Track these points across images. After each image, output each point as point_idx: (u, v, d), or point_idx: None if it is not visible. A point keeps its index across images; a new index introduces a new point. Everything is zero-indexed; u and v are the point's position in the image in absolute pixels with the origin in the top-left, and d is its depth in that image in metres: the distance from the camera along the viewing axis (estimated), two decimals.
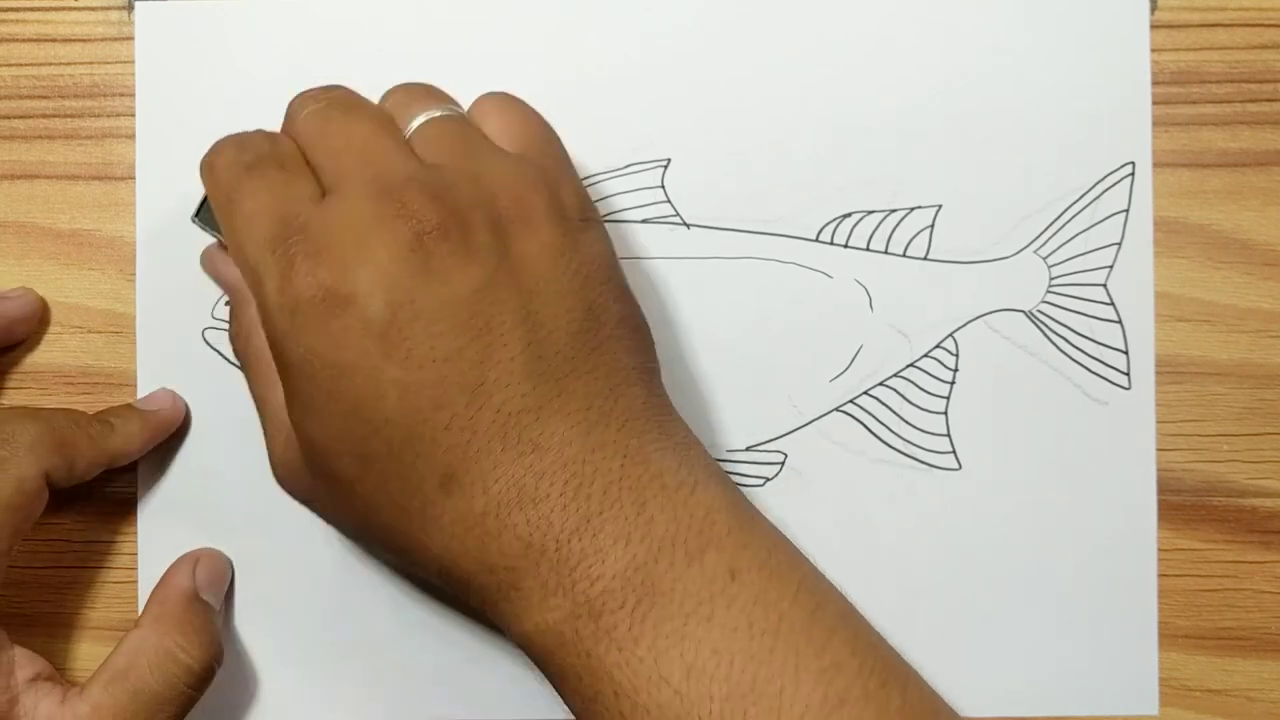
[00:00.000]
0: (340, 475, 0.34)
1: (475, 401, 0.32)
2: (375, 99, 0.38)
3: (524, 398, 0.32)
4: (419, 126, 0.36)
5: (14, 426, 0.38)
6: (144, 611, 0.40)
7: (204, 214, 0.38)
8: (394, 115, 0.36)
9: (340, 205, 0.33)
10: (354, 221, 0.32)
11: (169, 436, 0.42)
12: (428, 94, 0.37)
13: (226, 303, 0.42)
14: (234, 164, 0.35)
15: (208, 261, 0.41)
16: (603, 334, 0.34)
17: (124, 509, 0.43)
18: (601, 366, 0.33)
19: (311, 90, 0.37)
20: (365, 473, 0.33)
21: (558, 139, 0.37)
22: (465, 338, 0.32)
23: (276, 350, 0.34)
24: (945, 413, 0.42)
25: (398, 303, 0.32)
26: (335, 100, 0.36)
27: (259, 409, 0.37)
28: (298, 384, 0.33)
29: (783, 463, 0.42)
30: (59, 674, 0.39)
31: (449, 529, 0.32)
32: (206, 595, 0.41)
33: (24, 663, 0.38)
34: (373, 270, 0.32)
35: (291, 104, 0.37)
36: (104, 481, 0.43)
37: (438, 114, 0.36)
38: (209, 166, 0.36)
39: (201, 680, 0.39)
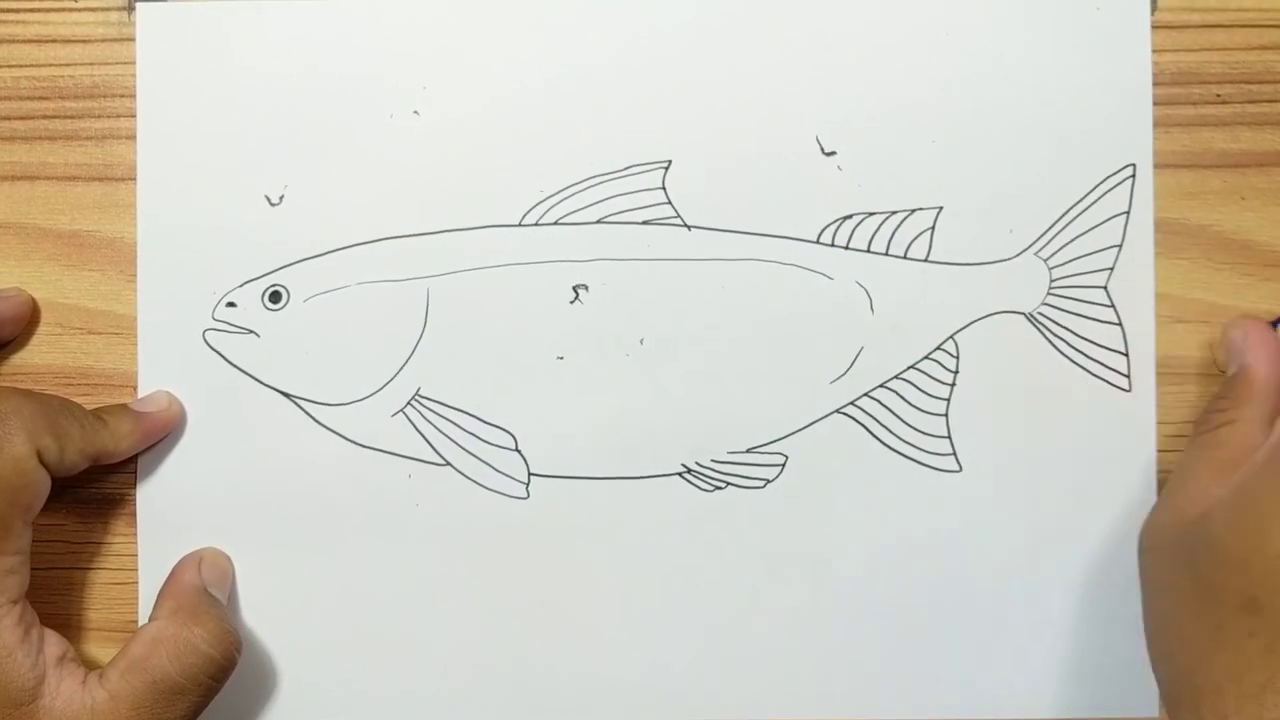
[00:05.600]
0: (1221, 593, 0.34)
1: None
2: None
3: None
4: None
5: (8, 404, 0.38)
6: (157, 606, 0.40)
7: None
8: None
9: None
10: None
11: (168, 437, 0.42)
12: None
13: (230, 304, 0.43)
14: None
15: (1246, 330, 0.40)
16: None
17: (124, 509, 0.43)
18: None
19: None
20: (1245, 611, 0.33)
21: None
22: None
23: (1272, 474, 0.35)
24: (946, 414, 0.42)
25: None
26: None
27: (1184, 472, 0.38)
28: (1264, 507, 0.34)
29: (784, 464, 0.42)
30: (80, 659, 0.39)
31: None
32: (213, 591, 0.41)
33: (52, 642, 0.38)
34: None
35: None
36: (104, 482, 0.43)
37: None
38: None
39: (222, 670, 0.39)
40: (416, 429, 0.43)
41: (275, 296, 0.43)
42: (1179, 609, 0.35)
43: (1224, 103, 0.43)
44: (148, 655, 0.38)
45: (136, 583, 0.43)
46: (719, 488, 0.42)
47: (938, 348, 0.42)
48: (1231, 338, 0.40)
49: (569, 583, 0.42)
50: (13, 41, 0.43)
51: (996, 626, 0.42)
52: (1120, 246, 0.42)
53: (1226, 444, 0.38)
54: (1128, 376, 0.42)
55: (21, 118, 0.43)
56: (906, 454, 0.42)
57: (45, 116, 0.43)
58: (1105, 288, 0.43)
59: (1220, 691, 0.33)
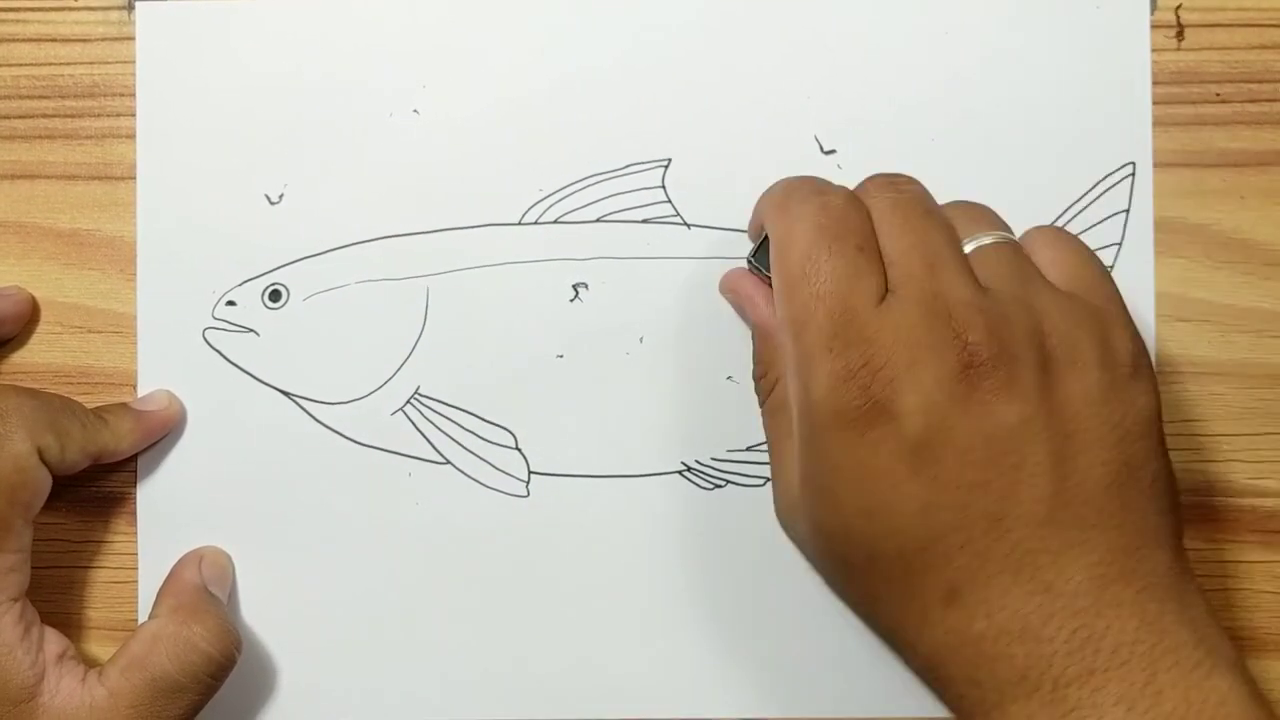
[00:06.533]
0: (843, 560, 0.35)
1: (993, 531, 0.32)
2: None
3: (1043, 539, 0.32)
4: (977, 249, 0.36)
5: (8, 402, 0.38)
6: (157, 604, 0.40)
7: (760, 255, 0.38)
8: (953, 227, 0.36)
9: (899, 315, 0.34)
10: (910, 337, 0.33)
11: (168, 436, 0.42)
12: (985, 217, 0.37)
13: (229, 303, 0.43)
14: (818, 230, 0.35)
15: (733, 286, 0.41)
16: (1134, 490, 0.33)
17: (124, 509, 0.43)
18: (1129, 524, 0.32)
19: (889, 175, 0.37)
20: (869, 567, 0.34)
21: (1110, 279, 0.36)
22: (994, 471, 0.32)
23: (805, 434, 0.35)
24: None
25: (935, 427, 0.32)
26: (915, 197, 0.36)
27: (772, 449, 0.39)
28: (818, 473, 0.35)
29: None
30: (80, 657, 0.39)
31: (943, 638, 0.33)
32: (213, 590, 0.41)
33: (52, 640, 0.38)
34: (918, 394, 0.33)
35: (869, 181, 0.37)
36: (103, 481, 0.43)
37: (994, 239, 0.36)
38: (784, 214, 0.36)
39: (222, 669, 0.39)
40: (416, 427, 0.43)
41: (275, 295, 0.43)
42: (834, 581, 0.38)
43: (1223, 102, 0.43)
44: (147, 653, 0.38)
45: (136, 581, 0.43)
46: (719, 486, 0.42)
47: None
48: (730, 301, 0.41)
49: (569, 581, 0.42)
50: (13, 40, 0.44)
51: None
52: (1120, 245, 0.42)
53: (784, 404, 0.38)
54: None
55: (21, 116, 0.43)
56: None
57: (45, 115, 0.43)
58: None
59: (899, 634, 0.35)
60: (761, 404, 0.40)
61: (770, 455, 0.40)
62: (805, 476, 0.35)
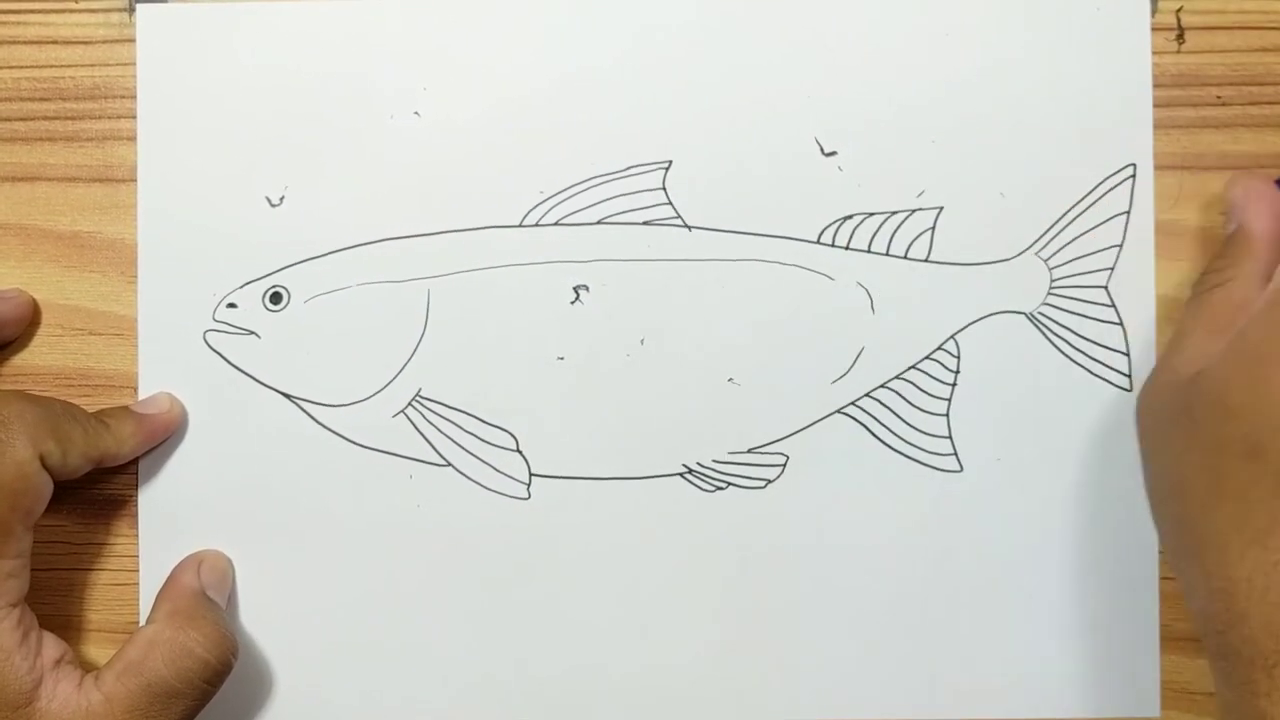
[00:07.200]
0: (1220, 444, 0.34)
1: None
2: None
3: None
4: None
5: (10, 409, 0.38)
6: (155, 609, 0.40)
7: None
8: None
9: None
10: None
11: (169, 439, 0.42)
12: None
13: (230, 305, 0.42)
14: None
15: (1251, 186, 0.40)
16: None
17: (124, 511, 0.43)
18: None
19: None
20: (1245, 459, 0.33)
21: None
22: None
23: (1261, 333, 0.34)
24: (947, 414, 0.42)
25: None
26: None
27: (1178, 332, 0.38)
28: (1265, 341, 0.34)
29: (784, 464, 0.42)
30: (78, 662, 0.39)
31: (1266, 567, 0.32)
32: (212, 594, 0.41)
33: (50, 645, 0.38)
34: None
35: None
36: (104, 483, 0.43)
37: None
38: None
39: (218, 674, 0.39)
40: (417, 430, 0.43)
41: (276, 297, 0.43)
42: (1179, 465, 0.35)
43: (1224, 104, 0.43)
44: (143, 658, 0.38)
45: (138, 584, 0.43)
46: (720, 488, 0.42)
47: (939, 348, 0.42)
48: (1231, 196, 0.40)
49: (570, 583, 0.42)
50: (14, 43, 0.44)
51: (996, 626, 0.42)
52: (1121, 247, 0.42)
53: (1221, 303, 0.37)
54: (1129, 376, 0.42)
55: (23, 119, 0.43)
56: (907, 454, 0.42)
57: (46, 118, 0.43)
58: (1106, 287, 0.43)
59: (1223, 540, 0.33)
60: (1196, 292, 0.39)
61: (1172, 340, 0.38)
62: (1243, 346, 0.34)
